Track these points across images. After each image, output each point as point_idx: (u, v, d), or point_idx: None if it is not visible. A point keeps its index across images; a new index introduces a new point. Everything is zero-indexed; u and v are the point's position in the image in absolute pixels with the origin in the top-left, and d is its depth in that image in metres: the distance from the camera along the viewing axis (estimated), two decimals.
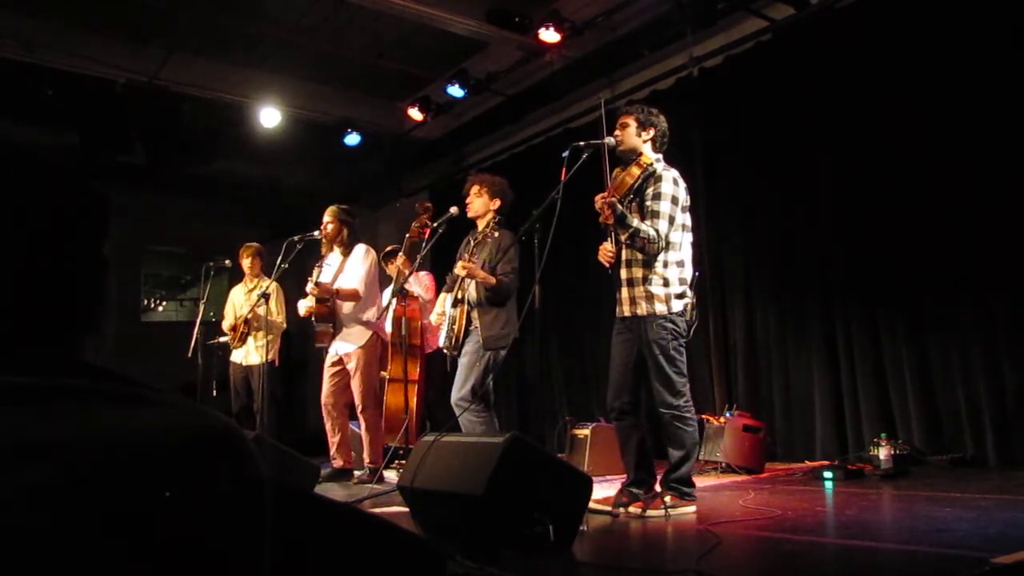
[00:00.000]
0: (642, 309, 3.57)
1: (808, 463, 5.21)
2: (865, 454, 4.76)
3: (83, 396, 0.66)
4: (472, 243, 4.70)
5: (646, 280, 3.57)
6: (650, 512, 3.44)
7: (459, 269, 4.48)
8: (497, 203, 4.66)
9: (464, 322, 4.56)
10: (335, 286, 5.40)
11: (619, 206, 3.55)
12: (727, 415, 5.17)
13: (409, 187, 9.51)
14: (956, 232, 4.71)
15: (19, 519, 0.56)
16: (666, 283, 3.56)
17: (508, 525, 2.64)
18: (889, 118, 5.08)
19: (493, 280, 4.42)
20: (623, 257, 3.66)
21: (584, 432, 5.38)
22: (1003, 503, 3.33)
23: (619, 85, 7.04)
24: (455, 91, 7.32)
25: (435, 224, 5.15)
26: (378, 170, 9.08)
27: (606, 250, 3.71)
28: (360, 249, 5.52)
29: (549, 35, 6.34)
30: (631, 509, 3.51)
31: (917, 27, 4.94)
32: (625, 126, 3.75)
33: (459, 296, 4.61)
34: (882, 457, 4.41)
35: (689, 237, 3.69)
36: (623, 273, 3.66)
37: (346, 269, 5.46)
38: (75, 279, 0.78)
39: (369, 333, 5.39)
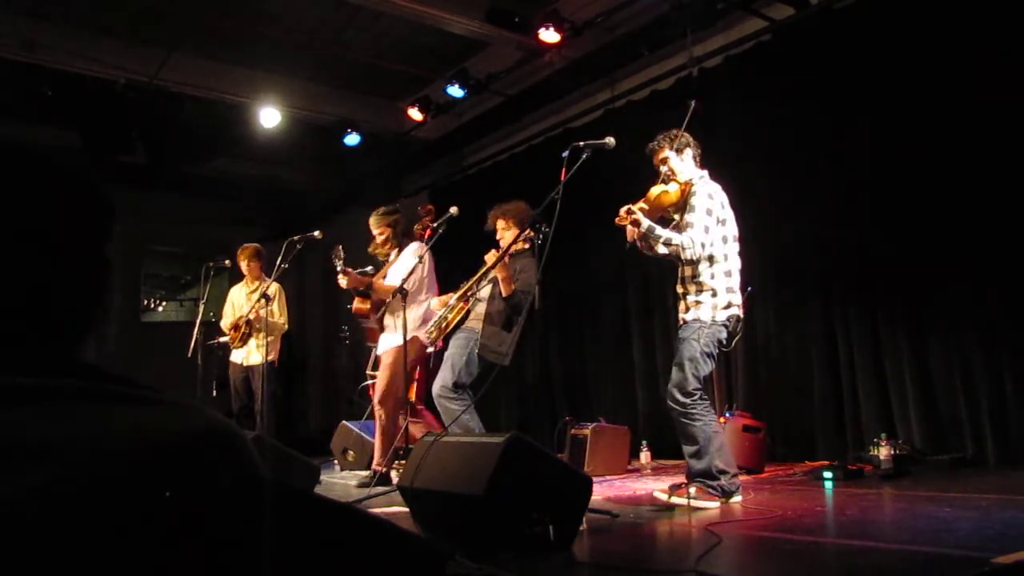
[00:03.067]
0: (691, 316, 3.77)
1: (808, 463, 5.21)
2: (865, 454, 4.76)
3: (83, 397, 0.66)
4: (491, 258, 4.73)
5: (698, 292, 3.76)
6: (674, 499, 3.56)
7: (489, 257, 4.45)
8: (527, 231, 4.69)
9: (460, 318, 4.58)
10: (385, 281, 5.16)
11: (645, 219, 3.70)
12: (727, 415, 5.17)
13: (409, 187, 9.51)
14: (956, 232, 4.71)
15: (20, 519, 0.56)
16: (714, 294, 3.73)
17: (508, 525, 2.64)
18: (889, 118, 5.08)
19: (512, 287, 4.46)
20: (678, 274, 3.89)
21: (584, 432, 5.38)
22: (1003, 503, 3.33)
23: (619, 85, 7.04)
24: (455, 91, 7.32)
25: (435, 224, 5.14)
26: (378, 170, 9.08)
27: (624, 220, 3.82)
28: (411, 247, 5.23)
29: (549, 35, 6.34)
30: (656, 493, 3.67)
31: (917, 27, 4.94)
32: (666, 160, 3.90)
33: (468, 293, 4.62)
34: (882, 457, 4.41)
35: (736, 247, 3.84)
36: (678, 288, 3.90)
37: (395, 265, 5.23)
38: (76, 279, 0.78)
39: (411, 335, 4.99)
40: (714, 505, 3.55)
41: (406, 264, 5.06)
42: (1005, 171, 4.51)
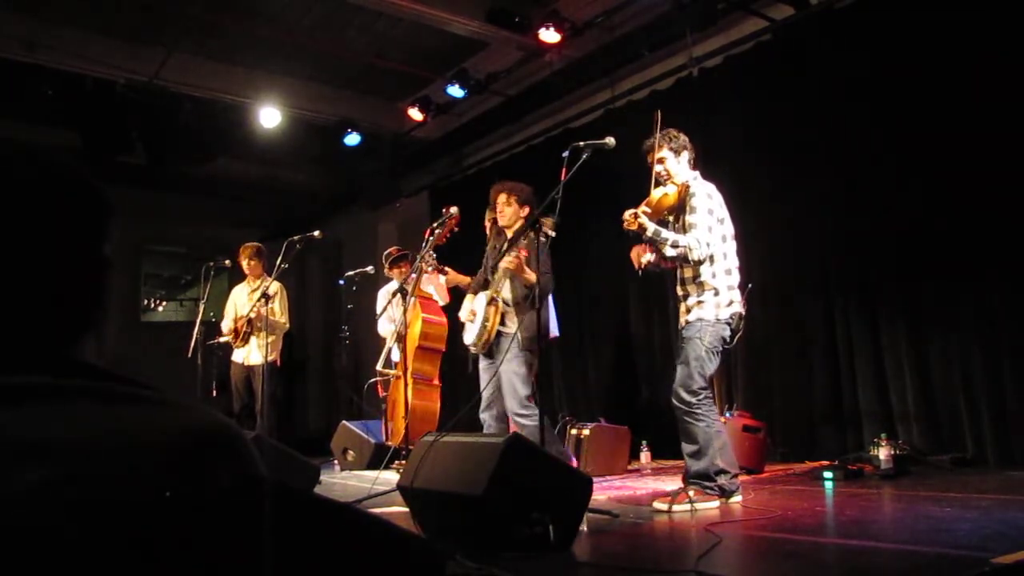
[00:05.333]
0: (694, 316, 3.76)
1: (808, 463, 5.21)
2: (865, 454, 4.76)
3: (84, 396, 0.66)
4: (501, 248, 4.66)
5: (699, 293, 3.75)
6: (676, 507, 3.51)
7: (506, 263, 4.36)
8: (527, 210, 4.61)
9: (497, 321, 4.54)
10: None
11: (650, 223, 3.71)
12: (727, 415, 5.16)
13: (409, 187, 9.51)
14: (956, 231, 4.71)
15: (19, 519, 0.56)
16: (717, 292, 3.74)
17: (508, 525, 2.64)
18: (889, 118, 5.08)
19: (534, 277, 4.37)
20: (677, 276, 3.87)
21: (584, 432, 5.38)
22: (1003, 503, 3.33)
23: (619, 85, 7.04)
24: (455, 91, 7.33)
25: (435, 224, 5.14)
26: (378, 170, 9.08)
27: (637, 253, 3.89)
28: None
29: (549, 35, 6.34)
30: (656, 504, 3.60)
31: (917, 27, 4.94)
32: (663, 160, 3.90)
33: (493, 296, 4.58)
34: (882, 457, 4.41)
35: (733, 245, 3.85)
36: (679, 290, 3.89)
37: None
38: (76, 279, 0.78)
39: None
40: (713, 505, 3.56)
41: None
42: (1006, 170, 4.50)
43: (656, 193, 3.84)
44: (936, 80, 4.82)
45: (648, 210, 3.77)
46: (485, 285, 4.68)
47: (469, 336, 4.62)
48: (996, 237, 4.54)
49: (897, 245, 5.02)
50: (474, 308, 4.67)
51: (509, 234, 4.66)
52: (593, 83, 7.10)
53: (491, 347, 4.54)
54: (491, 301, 4.56)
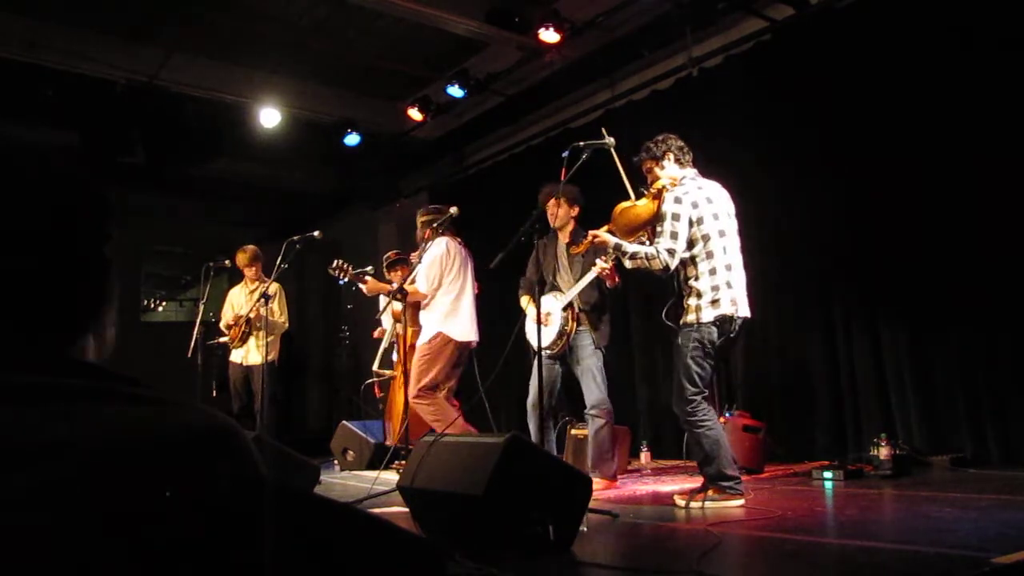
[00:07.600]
0: (683, 320, 3.77)
1: (808, 463, 5.21)
2: (865, 454, 4.76)
3: (83, 396, 0.66)
4: (560, 249, 4.74)
5: (689, 296, 3.74)
6: (692, 504, 3.56)
7: (599, 268, 4.34)
8: (576, 210, 4.73)
9: (575, 325, 4.58)
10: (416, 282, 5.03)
11: (610, 237, 3.77)
12: (727, 415, 5.16)
13: (409, 187, 9.51)
14: (957, 231, 4.71)
15: (19, 519, 0.56)
16: (700, 295, 3.69)
17: (508, 525, 2.64)
18: (889, 118, 5.08)
19: (618, 279, 4.48)
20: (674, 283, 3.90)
21: (584, 432, 5.37)
22: (1003, 503, 3.33)
23: (619, 85, 7.04)
24: (455, 91, 7.32)
25: (435, 225, 5.14)
26: (378, 170, 9.07)
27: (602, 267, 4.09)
28: (429, 246, 5.00)
29: (549, 35, 6.34)
30: (676, 499, 3.67)
31: (917, 27, 4.94)
32: (651, 171, 3.92)
33: (570, 299, 4.62)
34: (882, 457, 4.42)
35: (720, 244, 3.73)
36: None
37: (419, 266, 5.08)
38: (76, 279, 0.78)
39: (433, 331, 4.94)
40: (737, 503, 3.56)
41: (423, 264, 5.00)
42: (1005, 170, 4.51)
43: (619, 207, 3.85)
44: (937, 80, 4.82)
45: (613, 227, 3.82)
46: (542, 286, 4.63)
47: (548, 339, 4.57)
48: (997, 237, 4.54)
49: (898, 244, 5.02)
50: (549, 311, 4.64)
51: (564, 236, 4.70)
52: (593, 83, 7.10)
53: (569, 350, 4.64)
54: (568, 305, 4.61)
